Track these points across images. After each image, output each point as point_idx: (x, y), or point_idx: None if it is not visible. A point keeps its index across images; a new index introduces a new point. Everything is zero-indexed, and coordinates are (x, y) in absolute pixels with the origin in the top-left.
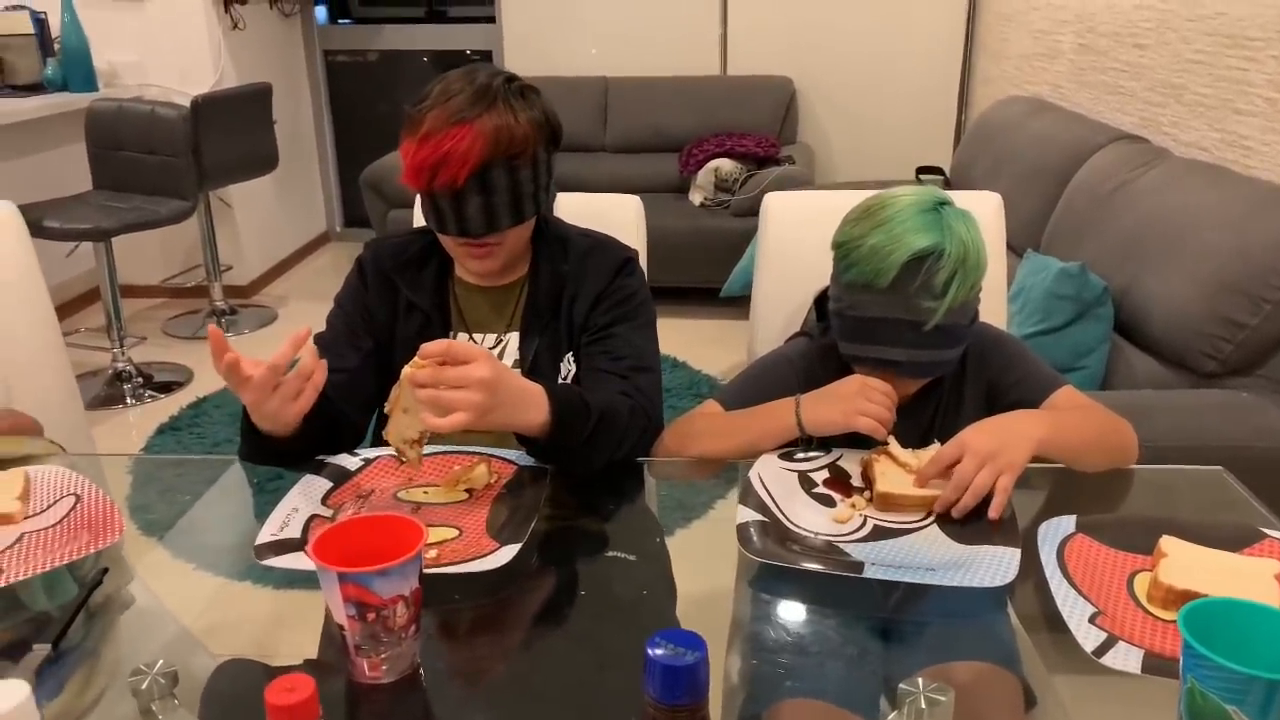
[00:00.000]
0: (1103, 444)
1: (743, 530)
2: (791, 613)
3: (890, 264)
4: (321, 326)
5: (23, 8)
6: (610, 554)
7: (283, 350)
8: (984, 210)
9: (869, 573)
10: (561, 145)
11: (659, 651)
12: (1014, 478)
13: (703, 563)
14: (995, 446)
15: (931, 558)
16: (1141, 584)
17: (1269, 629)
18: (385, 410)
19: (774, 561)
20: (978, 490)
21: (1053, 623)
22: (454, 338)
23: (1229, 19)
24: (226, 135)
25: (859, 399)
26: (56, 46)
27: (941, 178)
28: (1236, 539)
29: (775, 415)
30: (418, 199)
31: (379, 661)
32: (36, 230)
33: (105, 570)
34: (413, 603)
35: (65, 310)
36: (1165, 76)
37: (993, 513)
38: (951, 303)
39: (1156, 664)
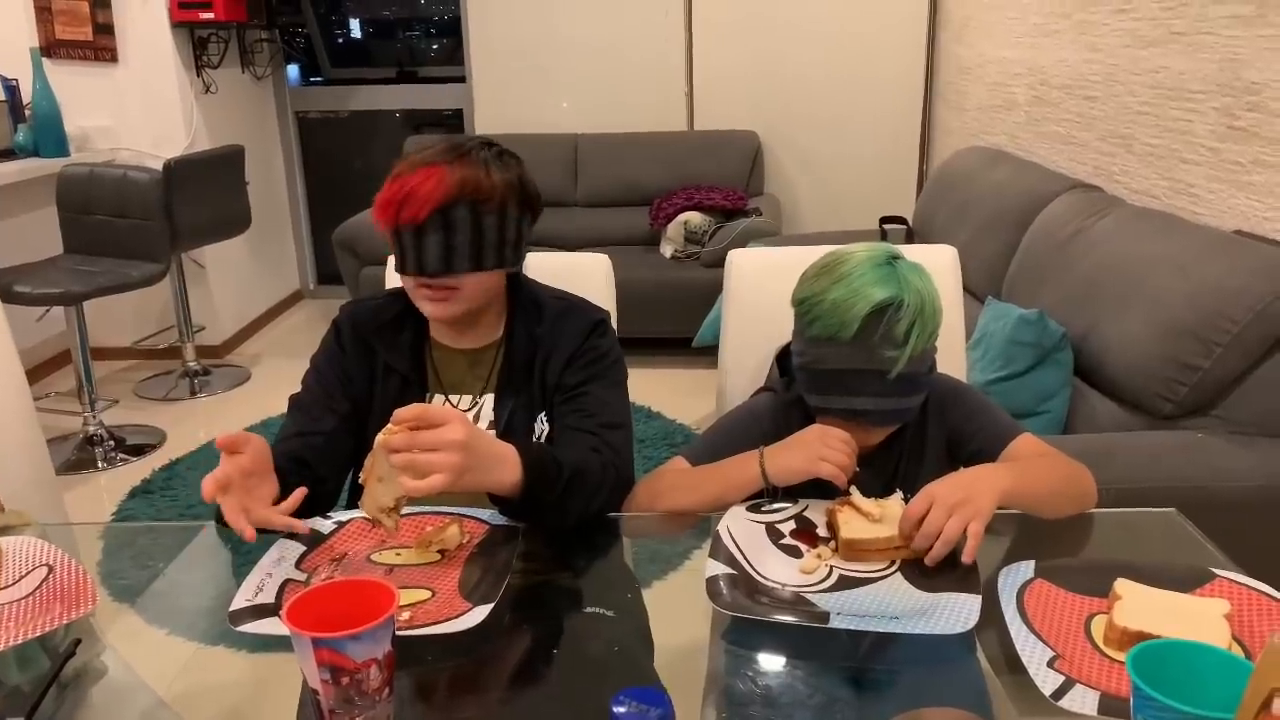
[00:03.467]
0: (1064, 491)
1: (712, 583)
2: (765, 664)
3: (853, 316)
4: (295, 384)
5: None
6: (586, 610)
7: (278, 522)
8: (941, 262)
9: (835, 623)
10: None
11: (622, 709)
12: (983, 524)
13: (679, 616)
14: (962, 496)
15: (895, 606)
16: (1098, 626)
17: (1215, 668)
18: (360, 480)
19: (743, 614)
20: (948, 538)
21: (1020, 666)
22: (430, 400)
23: (1171, 73)
24: (199, 198)
25: (819, 445)
26: (28, 112)
27: (905, 227)
28: (1188, 580)
29: (740, 468)
30: (390, 259)
31: None
32: (7, 295)
33: (78, 641)
34: (386, 665)
35: (36, 374)
36: (1115, 127)
37: (966, 557)
38: (913, 351)
39: (1112, 705)
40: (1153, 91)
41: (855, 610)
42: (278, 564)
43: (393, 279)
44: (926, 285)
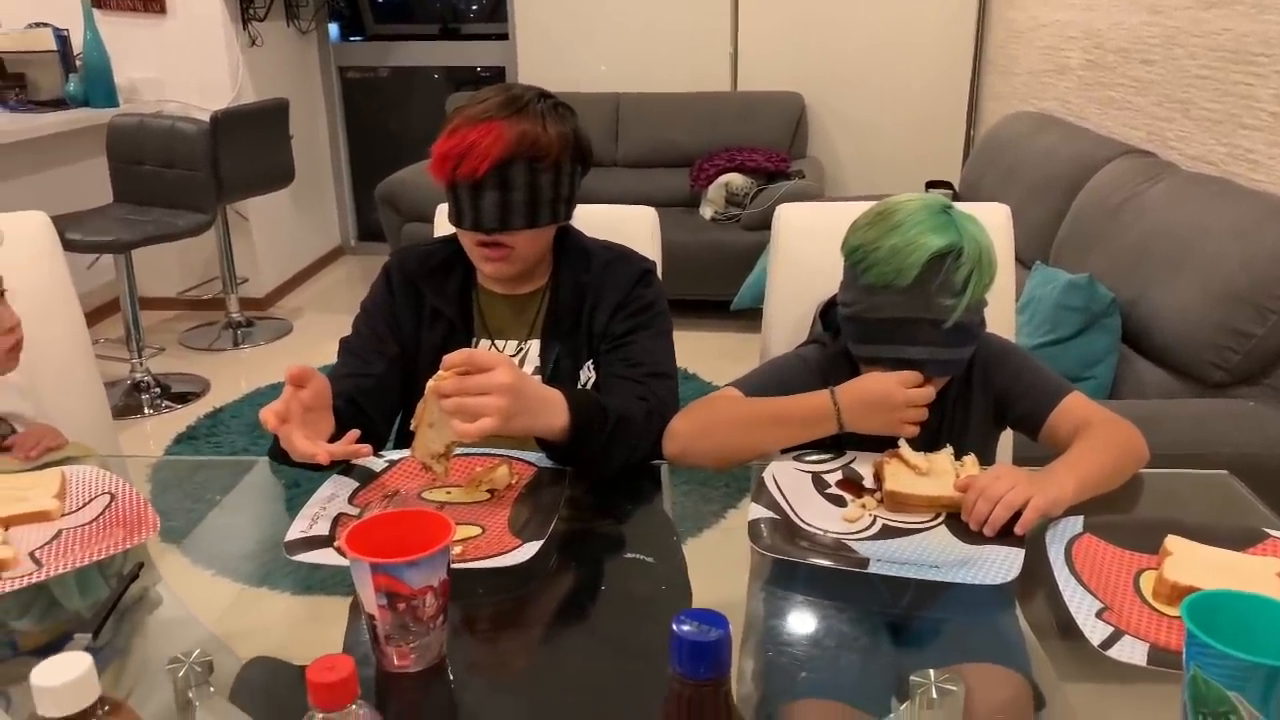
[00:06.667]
0: (1121, 467)
1: (754, 526)
2: (805, 610)
3: (912, 263)
4: (335, 338)
5: (45, 25)
6: (628, 555)
7: (340, 450)
8: (993, 221)
9: (874, 568)
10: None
11: (685, 628)
12: (1044, 504)
13: (715, 570)
14: (1028, 475)
15: (936, 556)
16: (1147, 581)
17: (1269, 619)
18: (411, 427)
19: (781, 556)
20: (1010, 503)
21: (1061, 627)
22: (476, 344)
23: (1234, 35)
24: (244, 150)
25: (902, 409)
26: (78, 63)
27: (950, 192)
28: (1240, 539)
29: (817, 418)
30: (436, 212)
31: (408, 650)
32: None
33: (141, 565)
34: (441, 594)
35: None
36: (1172, 91)
37: (1019, 528)
38: (970, 300)
39: (1161, 657)
40: (1214, 54)
41: (895, 558)
42: (331, 499)
43: (441, 228)
44: (982, 234)
